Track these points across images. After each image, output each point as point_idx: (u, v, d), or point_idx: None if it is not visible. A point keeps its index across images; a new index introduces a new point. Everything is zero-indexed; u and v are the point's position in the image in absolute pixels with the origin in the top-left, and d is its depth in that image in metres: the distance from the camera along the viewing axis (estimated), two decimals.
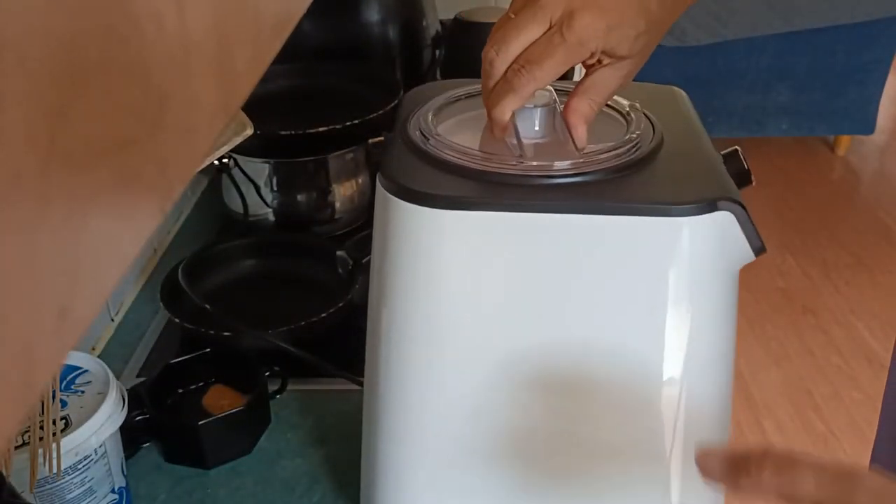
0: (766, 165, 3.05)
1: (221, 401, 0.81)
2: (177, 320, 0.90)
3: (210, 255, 1.00)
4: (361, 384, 0.64)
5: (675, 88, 0.67)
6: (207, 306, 0.87)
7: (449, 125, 0.61)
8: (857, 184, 3.11)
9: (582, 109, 0.55)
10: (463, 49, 1.26)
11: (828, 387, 2.12)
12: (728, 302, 0.56)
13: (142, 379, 0.84)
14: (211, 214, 1.17)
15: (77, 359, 0.71)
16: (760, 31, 2.78)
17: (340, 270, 0.77)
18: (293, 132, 1.02)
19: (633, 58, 0.54)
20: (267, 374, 0.82)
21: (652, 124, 0.59)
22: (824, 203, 2.92)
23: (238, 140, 0.74)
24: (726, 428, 0.59)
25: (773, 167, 3.07)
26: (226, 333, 0.86)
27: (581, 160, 0.54)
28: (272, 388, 0.83)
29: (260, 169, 1.05)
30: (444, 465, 0.59)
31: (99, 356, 0.82)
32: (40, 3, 0.16)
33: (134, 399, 0.74)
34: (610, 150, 0.55)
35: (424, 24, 1.33)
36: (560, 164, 0.53)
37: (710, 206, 0.51)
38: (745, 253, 0.53)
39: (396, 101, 1.05)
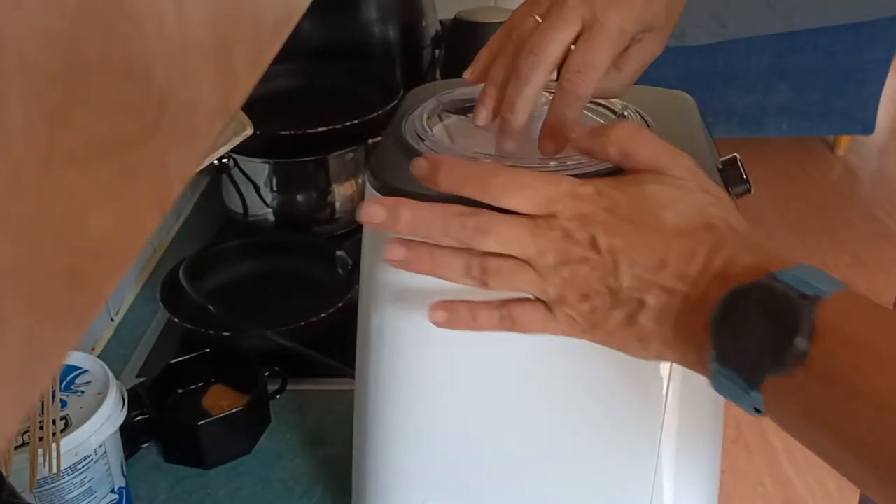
0: (766, 165, 3.05)
1: (221, 401, 0.81)
2: (177, 320, 0.90)
3: (210, 255, 1.00)
4: None
5: (683, 93, 0.67)
6: (208, 306, 0.87)
7: (444, 126, 0.61)
8: (856, 184, 3.11)
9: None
10: (463, 49, 1.26)
11: None
12: None
13: (142, 379, 0.84)
14: (211, 214, 1.17)
15: (77, 359, 0.71)
16: (760, 31, 2.78)
17: (340, 270, 0.77)
18: (293, 132, 1.02)
19: (666, 27, 0.54)
20: (267, 374, 0.82)
21: (648, 128, 0.59)
22: (824, 203, 2.92)
23: (238, 140, 0.74)
24: (719, 422, 0.59)
25: (773, 167, 3.07)
26: (226, 333, 0.86)
27: (574, 163, 0.54)
28: (272, 388, 0.83)
29: (260, 169, 1.05)
30: (434, 468, 0.59)
31: (99, 356, 0.82)
32: (40, 3, 0.16)
33: (134, 399, 0.74)
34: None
35: (424, 24, 1.33)
36: (553, 164, 0.53)
37: None
38: None
39: (396, 101, 1.05)
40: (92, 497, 0.67)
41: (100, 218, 0.19)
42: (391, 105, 1.05)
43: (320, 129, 1.01)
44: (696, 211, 0.42)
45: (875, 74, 2.88)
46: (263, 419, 0.82)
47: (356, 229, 1.09)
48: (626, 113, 0.60)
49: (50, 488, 0.64)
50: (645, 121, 0.60)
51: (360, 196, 1.09)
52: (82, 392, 0.68)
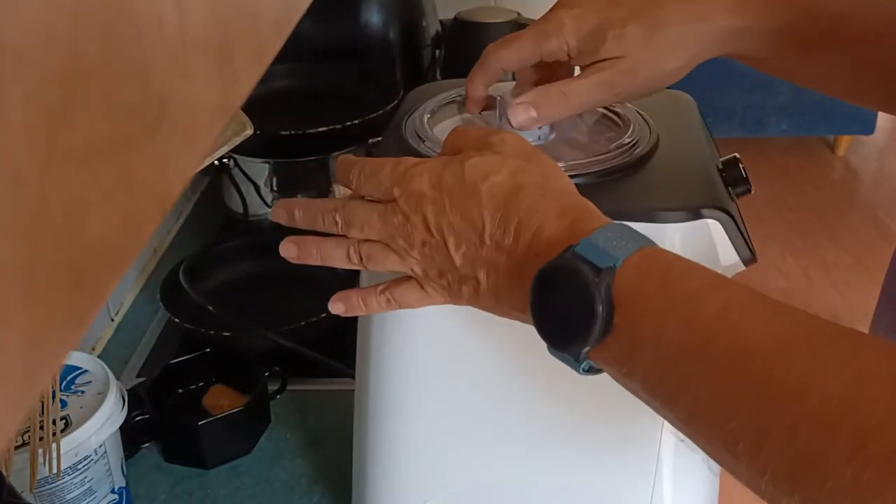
0: (766, 165, 3.05)
1: (221, 401, 0.81)
2: (177, 320, 0.90)
3: (210, 255, 1.00)
4: None
5: (683, 93, 0.67)
6: (208, 306, 0.87)
7: (445, 126, 0.61)
8: (856, 184, 3.11)
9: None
10: (463, 49, 1.26)
11: None
12: None
13: (142, 379, 0.84)
14: (211, 214, 1.17)
15: (77, 359, 0.71)
16: None
17: (340, 270, 0.77)
18: (293, 132, 1.02)
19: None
20: (267, 374, 0.82)
21: (649, 128, 0.59)
22: (824, 203, 2.91)
23: (238, 140, 0.74)
24: None
25: (773, 167, 3.07)
26: (226, 333, 0.86)
27: (572, 162, 0.54)
28: (272, 388, 0.83)
29: (260, 169, 1.05)
30: (434, 468, 0.59)
31: (99, 356, 0.82)
32: (40, 3, 0.16)
33: (134, 399, 0.74)
34: (600, 154, 0.55)
35: (424, 24, 1.33)
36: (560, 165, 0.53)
37: (695, 214, 0.51)
38: (733, 262, 0.53)
39: (396, 101, 1.05)
40: (92, 497, 0.67)
41: (100, 218, 0.19)
42: (391, 105, 1.05)
43: (320, 129, 1.01)
44: (510, 176, 0.44)
45: None
46: (263, 419, 0.82)
47: None
48: (628, 116, 0.60)
49: (50, 488, 0.64)
50: (645, 121, 0.60)
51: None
52: (82, 392, 0.68)
